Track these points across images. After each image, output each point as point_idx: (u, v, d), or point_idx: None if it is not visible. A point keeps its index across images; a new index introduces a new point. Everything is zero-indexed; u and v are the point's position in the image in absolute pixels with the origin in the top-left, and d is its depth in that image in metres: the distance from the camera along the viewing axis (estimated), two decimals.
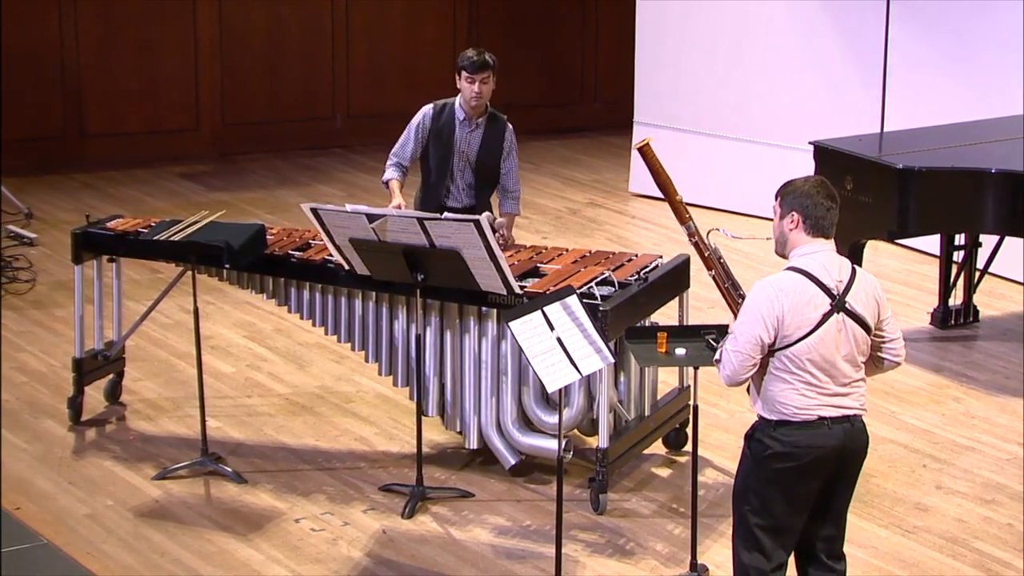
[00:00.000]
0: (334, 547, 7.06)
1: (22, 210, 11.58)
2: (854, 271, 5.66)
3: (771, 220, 5.78)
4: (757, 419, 5.66)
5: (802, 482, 5.58)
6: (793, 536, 5.67)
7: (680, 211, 5.93)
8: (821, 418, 5.55)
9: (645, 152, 5.92)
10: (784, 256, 5.70)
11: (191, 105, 13.40)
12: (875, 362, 5.73)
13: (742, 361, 5.53)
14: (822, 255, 5.61)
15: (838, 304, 5.56)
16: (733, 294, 5.79)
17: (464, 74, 8.05)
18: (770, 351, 5.53)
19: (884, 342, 5.70)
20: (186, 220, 7.99)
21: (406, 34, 14.02)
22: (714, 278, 5.80)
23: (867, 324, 5.61)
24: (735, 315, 5.77)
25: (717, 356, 5.62)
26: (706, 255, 5.83)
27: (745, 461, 5.68)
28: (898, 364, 5.78)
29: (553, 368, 6.06)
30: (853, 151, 9.09)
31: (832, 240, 5.68)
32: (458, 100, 8.15)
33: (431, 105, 8.24)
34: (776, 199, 5.70)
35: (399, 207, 7.91)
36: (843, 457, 5.62)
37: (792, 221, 5.62)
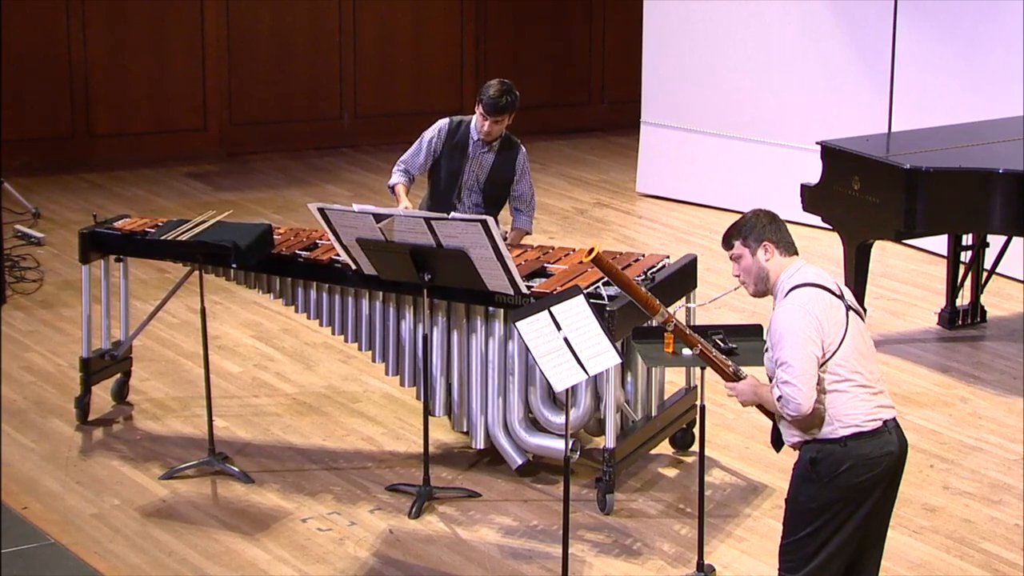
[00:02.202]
0: (341, 547, 7.07)
1: (30, 210, 11.59)
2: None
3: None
4: (808, 447, 5.57)
5: (873, 492, 5.56)
6: (852, 551, 5.63)
7: (650, 303, 5.93)
8: (884, 422, 5.55)
9: (600, 260, 5.92)
10: (767, 293, 5.68)
11: (199, 105, 13.41)
12: None
13: (807, 381, 5.44)
14: (807, 268, 5.63)
15: (847, 303, 5.60)
16: (724, 361, 5.78)
17: (480, 108, 8.02)
18: (820, 366, 5.52)
19: None
20: (193, 220, 8.00)
21: (414, 34, 14.02)
22: (701, 354, 5.80)
23: (863, 319, 5.67)
24: (725, 378, 5.77)
25: (778, 394, 5.51)
26: (687, 333, 5.83)
27: (807, 486, 5.58)
28: None
29: (560, 368, 6.06)
30: (860, 151, 9.08)
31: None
32: (475, 120, 8.12)
33: (447, 120, 8.18)
34: (732, 245, 5.67)
35: (406, 209, 7.90)
36: (897, 465, 5.64)
37: (767, 252, 5.62)
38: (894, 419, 5.62)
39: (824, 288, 5.57)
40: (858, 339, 5.57)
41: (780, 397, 5.50)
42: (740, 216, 5.76)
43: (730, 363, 5.76)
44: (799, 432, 5.59)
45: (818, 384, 5.50)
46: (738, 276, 5.73)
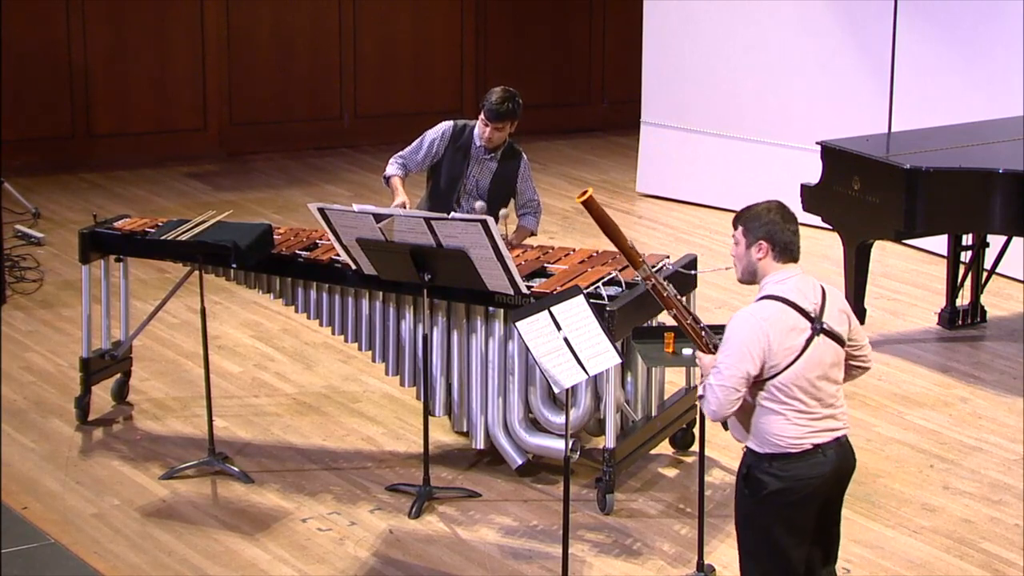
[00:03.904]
0: (341, 547, 7.07)
1: (30, 210, 11.59)
2: (823, 290, 5.56)
3: None
4: (747, 454, 5.56)
5: (805, 512, 5.50)
6: (802, 561, 5.59)
7: (633, 256, 5.90)
8: (816, 446, 5.47)
9: (590, 204, 5.88)
10: (752, 284, 5.60)
11: (199, 105, 13.41)
12: (846, 371, 5.65)
13: (727, 395, 5.41)
14: (795, 280, 5.49)
15: (819, 327, 5.47)
16: (697, 329, 5.71)
17: (482, 114, 8.00)
18: (757, 382, 5.44)
19: (856, 351, 5.63)
20: (193, 220, 8.00)
21: (414, 34, 14.03)
22: (675, 317, 5.74)
23: (843, 340, 5.55)
24: (701, 349, 5.70)
25: (701, 392, 5.49)
26: (665, 295, 5.77)
27: (744, 501, 5.57)
28: (867, 370, 5.73)
29: (560, 368, 6.06)
30: (861, 151, 9.08)
31: (799, 263, 5.56)
32: (478, 125, 8.10)
33: (451, 123, 8.15)
34: (736, 228, 5.56)
35: (403, 205, 7.89)
36: (839, 479, 5.58)
37: (760, 250, 5.50)
38: (835, 440, 5.50)
39: (797, 308, 5.44)
40: (813, 369, 5.44)
41: (701, 396, 5.50)
42: (758, 203, 5.60)
43: (703, 333, 5.70)
44: (733, 427, 5.57)
45: (752, 397, 5.45)
46: (733, 256, 5.65)
